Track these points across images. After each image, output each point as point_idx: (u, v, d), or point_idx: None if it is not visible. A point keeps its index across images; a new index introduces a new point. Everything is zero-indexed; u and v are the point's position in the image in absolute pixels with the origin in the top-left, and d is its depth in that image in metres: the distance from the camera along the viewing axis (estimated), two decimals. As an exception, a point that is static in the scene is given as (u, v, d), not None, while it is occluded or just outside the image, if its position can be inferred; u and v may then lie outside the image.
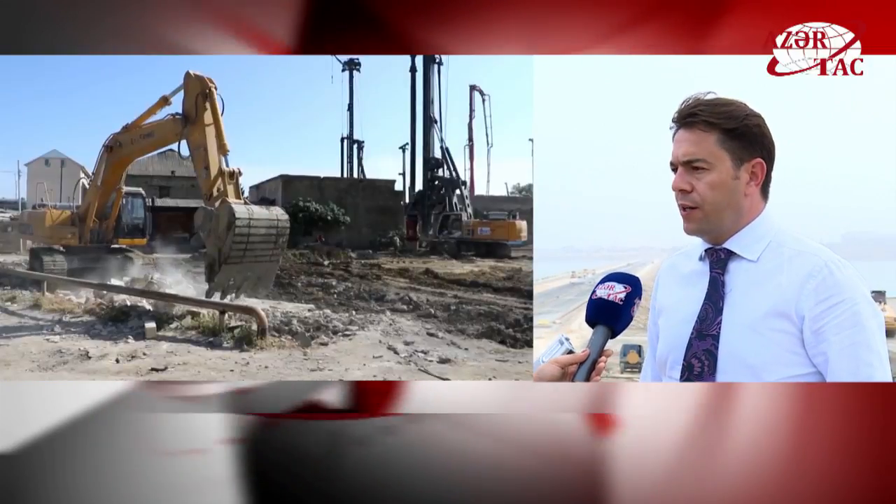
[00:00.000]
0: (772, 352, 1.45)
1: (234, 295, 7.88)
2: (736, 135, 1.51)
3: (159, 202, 17.00)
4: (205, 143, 8.00)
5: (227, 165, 8.05)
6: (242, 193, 8.51)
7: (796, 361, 1.45)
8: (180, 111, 8.68)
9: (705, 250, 1.61)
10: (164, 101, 9.26)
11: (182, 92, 8.62)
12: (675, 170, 1.56)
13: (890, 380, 1.43)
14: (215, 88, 8.24)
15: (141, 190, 13.74)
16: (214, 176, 7.90)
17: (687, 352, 1.54)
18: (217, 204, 7.66)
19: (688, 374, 1.53)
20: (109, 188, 11.22)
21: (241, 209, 7.56)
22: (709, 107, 1.52)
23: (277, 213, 8.16)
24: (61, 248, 11.78)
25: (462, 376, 5.77)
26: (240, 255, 7.56)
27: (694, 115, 1.53)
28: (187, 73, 8.44)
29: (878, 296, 12.19)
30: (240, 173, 8.11)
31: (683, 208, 1.55)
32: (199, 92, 8.24)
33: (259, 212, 7.85)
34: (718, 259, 1.57)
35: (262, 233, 7.74)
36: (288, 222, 8.16)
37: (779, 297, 1.46)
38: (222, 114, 8.20)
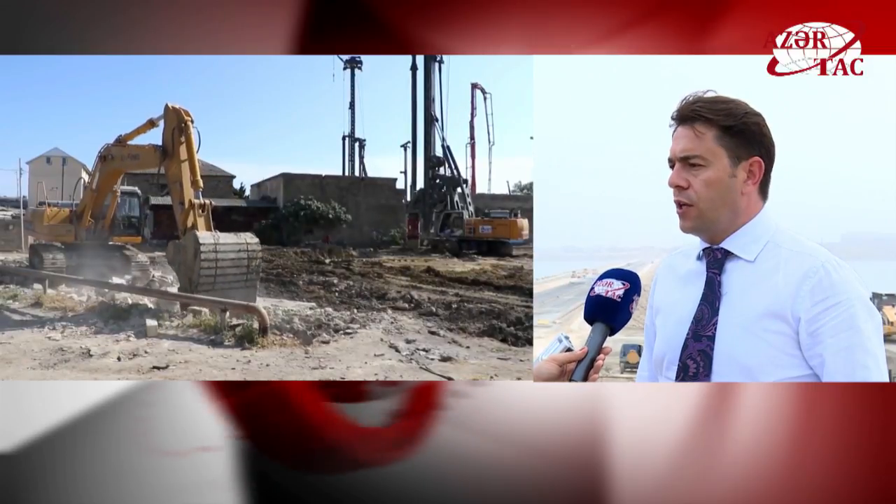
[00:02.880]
0: (767, 353, 1.44)
1: None
2: (734, 132, 1.50)
3: (161, 200, 16.90)
4: (181, 178, 8.29)
5: (200, 198, 8.37)
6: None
7: (792, 363, 1.44)
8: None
9: (703, 250, 1.60)
10: (151, 124, 9.47)
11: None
12: (672, 166, 1.56)
13: (887, 381, 1.42)
14: (191, 121, 8.45)
15: (136, 189, 13.84)
16: (186, 209, 8.18)
17: (682, 352, 1.53)
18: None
19: (683, 374, 1.53)
20: (104, 193, 11.40)
21: (205, 236, 7.84)
22: (708, 104, 1.52)
23: (246, 237, 8.41)
24: (60, 245, 11.86)
25: (463, 374, 5.77)
26: (210, 280, 7.73)
27: (693, 112, 1.52)
28: (166, 106, 8.65)
29: (892, 299, 12.03)
30: (211, 205, 8.46)
31: (679, 205, 1.54)
32: (174, 125, 8.45)
33: (226, 237, 8.13)
34: (715, 259, 1.56)
35: (231, 257, 7.96)
36: (258, 245, 8.41)
37: (775, 298, 1.45)
38: (198, 149, 8.48)
